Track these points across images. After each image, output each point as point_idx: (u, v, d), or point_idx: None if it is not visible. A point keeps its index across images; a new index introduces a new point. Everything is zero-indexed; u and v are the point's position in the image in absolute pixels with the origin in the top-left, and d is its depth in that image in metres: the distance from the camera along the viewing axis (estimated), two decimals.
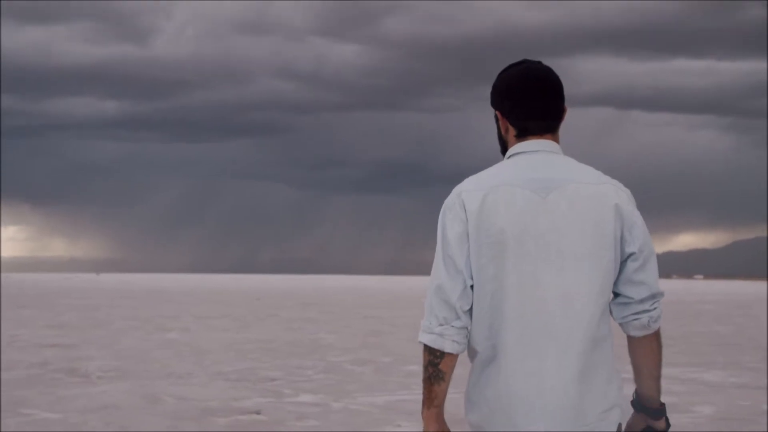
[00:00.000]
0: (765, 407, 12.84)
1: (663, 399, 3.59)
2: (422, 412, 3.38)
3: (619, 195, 3.33)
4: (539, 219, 3.27)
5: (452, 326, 3.29)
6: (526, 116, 3.38)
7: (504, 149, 3.49)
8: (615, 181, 3.38)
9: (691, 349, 21.39)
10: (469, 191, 3.32)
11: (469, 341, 3.34)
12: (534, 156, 3.37)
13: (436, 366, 3.32)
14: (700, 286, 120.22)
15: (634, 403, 3.54)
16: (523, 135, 3.40)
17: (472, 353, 3.37)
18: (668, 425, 3.53)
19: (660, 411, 3.52)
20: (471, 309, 3.32)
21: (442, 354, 3.31)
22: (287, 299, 54.93)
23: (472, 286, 3.30)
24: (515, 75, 3.41)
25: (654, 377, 3.47)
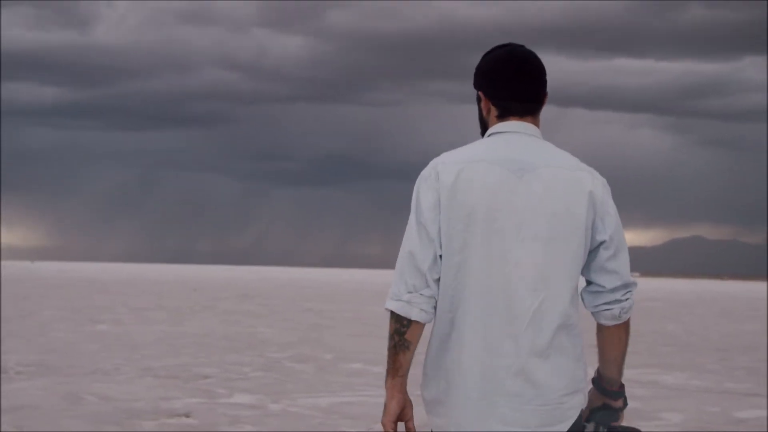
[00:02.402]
0: (734, 414, 12.03)
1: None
2: (386, 382, 3.37)
3: (594, 183, 3.34)
4: (512, 198, 3.27)
5: (421, 294, 3.29)
6: (508, 97, 3.40)
7: (484, 130, 3.50)
8: (591, 169, 3.39)
9: (646, 349, 20.61)
10: (445, 164, 3.32)
11: None
12: (513, 136, 3.38)
13: (402, 335, 3.32)
14: (639, 284, 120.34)
15: (594, 381, 3.56)
16: (504, 116, 3.42)
17: (433, 326, 3.38)
18: (625, 404, 3.57)
19: (619, 392, 3.55)
20: (439, 279, 3.31)
21: (408, 322, 3.31)
22: (225, 291, 53.75)
23: (441, 256, 3.29)
24: (499, 57, 3.43)
25: (618, 363, 3.49)
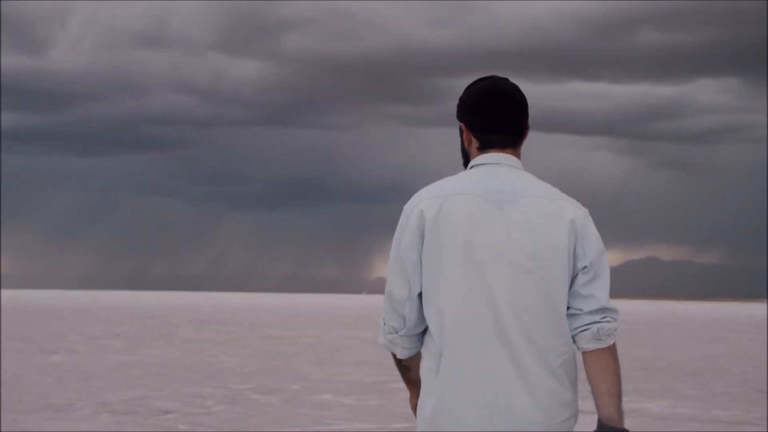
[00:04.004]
0: None
1: None
2: (405, 384, 3.60)
3: (575, 212, 3.37)
4: (493, 229, 3.32)
5: (400, 335, 3.41)
6: (490, 130, 3.44)
7: (466, 161, 3.54)
8: (572, 199, 3.43)
9: None
10: (427, 199, 3.37)
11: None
12: (494, 168, 3.43)
13: (399, 362, 3.53)
14: None
15: (597, 430, 3.36)
16: (485, 148, 3.46)
17: (422, 353, 3.43)
18: None
19: None
20: (421, 316, 3.37)
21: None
22: (182, 317, 52.71)
23: (420, 294, 3.35)
24: (482, 89, 3.47)
25: (613, 396, 3.33)
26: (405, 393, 3.74)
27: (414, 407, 3.57)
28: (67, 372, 18.88)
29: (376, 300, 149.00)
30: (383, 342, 3.50)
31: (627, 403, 14.95)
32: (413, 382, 3.55)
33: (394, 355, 3.51)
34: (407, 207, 3.41)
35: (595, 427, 3.36)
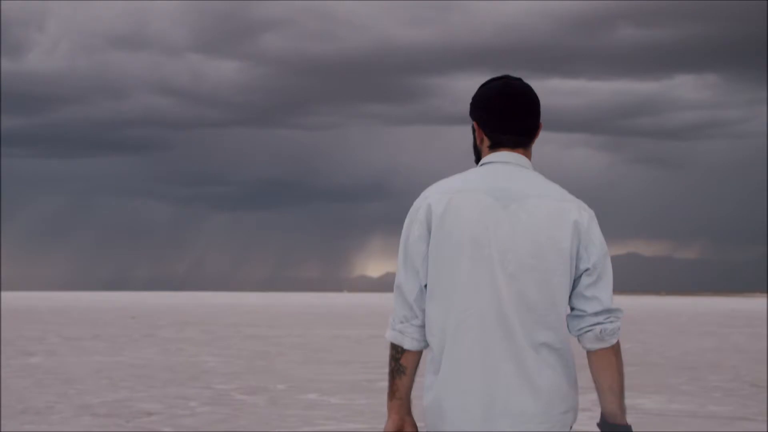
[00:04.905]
0: None
1: None
2: (387, 403, 3.53)
3: (580, 213, 3.42)
4: (499, 227, 3.38)
5: (411, 324, 3.45)
6: (501, 130, 3.50)
7: (478, 158, 3.60)
8: (578, 201, 3.48)
9: None
10: (435, 194, 3.46)
11: None
12: (503, 167, 3.49)
13: (398, 360, 3.49)
14: None
15: (600, 425, 3.49)
16: (496, 147, 3.53)
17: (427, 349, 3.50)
18: None
19: (623, 428, 3.45)
20: None
21: (402, 350, 3.48)
22: (164, 318, 52.23)
23: (426, 286, 3.42)
24: (495, 89, 3.52)
25: (615, 392, 3.42)
26: None
27: (391, 417, 3.52)
28: (47, 374, 18.44)
29: (357, 298, 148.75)
30: (392, 334, 3.50)
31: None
32: (399, 396, 3.51)
33: (393, 355, 3.51)
34: (416, 202, 3.49)
35: (597, 421, 3.50)
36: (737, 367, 21.19)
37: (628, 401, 14.48)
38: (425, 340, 3.46)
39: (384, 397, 16.10)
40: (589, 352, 3.43)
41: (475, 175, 3.50)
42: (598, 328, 3.39)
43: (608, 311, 3.41)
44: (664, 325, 46.12)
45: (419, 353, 3.49)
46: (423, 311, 3.44)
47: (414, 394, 3.51)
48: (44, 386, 16.31)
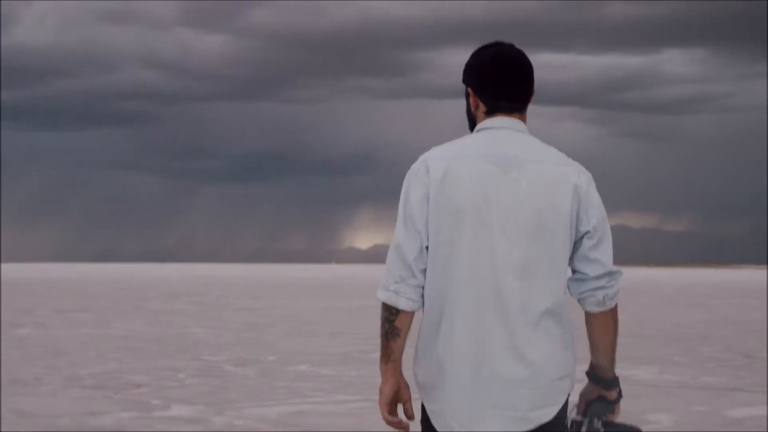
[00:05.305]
0: (726, 413, 10.95)
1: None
2: (380, 367, 3.50)
3: (579, 176, 3.46)
4: (499, 192, 3.39)
5: (407, 284, 3.43)
6: (497, 96, 3.52)
7: (472, 124, 3.61)
8: (577, 164, 3.51)
9: None
10: (434, 158, 3.46)
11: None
12: (500, 132, 3.51)
13: (391, 322, 3.46)
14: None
15: (588, 374, 3.60)
16: (492, 112, 3.54)
17: (423, 314, 3.49)
18: (620, 396, 3.62)
19: (613, 382, 3.61)
20: (425, 270, 3.43)
21: (397, 311, 3.45)
22: (153, 289, 52.08)
23: (428, 247, 3.41)
24: (490, 56, 3.54)
25: (608, 351, 3.54)
26: None
27: (386, 399, 3.49)
28: (35, 346, 18.29)
29: (346, 270, 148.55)
30: (386, 295, 3.45)
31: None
32: (394, 359, 3.49)
33: (387, 317, 3.46)
34: (414, 166, 3.48)
35: (586, 369, 3.61)
36: (728, 338, 21.13)
37: (621, 372, 14.35)
38: (420, 300, 3.46)
39: (375, 368, 15.93)
40: (588, 314, 3.52)
41: (472, 140, 3.51)
42: (600, 293, 3.46)
43: (609, 274, 3.47)
44: (653, 296, 46.10)
45: (412, 314, 3.47)
46: (421, 272, 3.43)
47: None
48: (33, 358, 16.16)
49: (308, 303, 37.21)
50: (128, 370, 14.61)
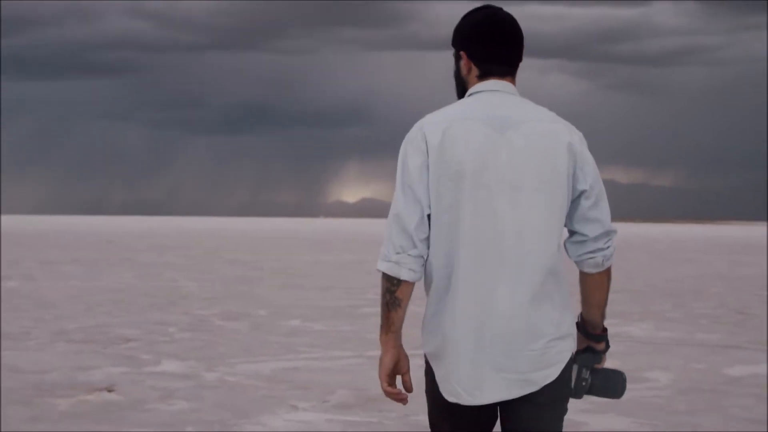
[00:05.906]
0: (724, 371, 10.81)
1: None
2: (380, 337, 3.51)
3: (572, 135, 3.48)
4: (497, 154, 3.40)
5: (408, 254, 3.40)
6: (490, 59, 3.54)
7: (462, 88, 3.61)
8: (568, 123, 3.54)
9: None
10: (431, 124, 3.45)
11: (425, 271, 3.45)
12: (494, 95, 3.52)
13: (393, 293, 3.44)
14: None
15: (578, 326, 3.61)
16: (485, 76, 3.55)
17: (428, 283, 3.48)
18: (607, 347, 3.65)
19: (601, 336, 3.64)
20: (428, 238, 3.43)
21: (398, 281, 3.43)
22: (141, 242, 51.86)
23: (429, 216, 3.41)
24: (483, 19, 3.55)
25: (600, 307, 3.60)
26: (377, 318, 3.34)
27: (386, 370, 3.50)
28: (22, 299, 18.08)
29: (334, 224, 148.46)
30: (387, 266, 3.43)
31: (609, 327, 14.39)
32: (394, 330, 3.49)
33: (388, 288, 3.45)
34: (410, 133, 3.47)
35: (577, 320, 3.61)
36: (722, 295, 21.02)
37: (616, 329, 14.31)
38: (421, 271, 3.45)
39: (368, 323, 15.87)
40: (585, 273, 3.56)
41: (467, 104, 3.51)
42: (599, 255, 3.49)
43: (607, 234, 3.49)
44: (643, 252, 46.06)
45: (413, 285, 3.46)
46: (422, 241, 3.42)
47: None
48: (20, 311, 15.96)
49: (298, 256, 37.05)
50: (117, 324, 14.43)
